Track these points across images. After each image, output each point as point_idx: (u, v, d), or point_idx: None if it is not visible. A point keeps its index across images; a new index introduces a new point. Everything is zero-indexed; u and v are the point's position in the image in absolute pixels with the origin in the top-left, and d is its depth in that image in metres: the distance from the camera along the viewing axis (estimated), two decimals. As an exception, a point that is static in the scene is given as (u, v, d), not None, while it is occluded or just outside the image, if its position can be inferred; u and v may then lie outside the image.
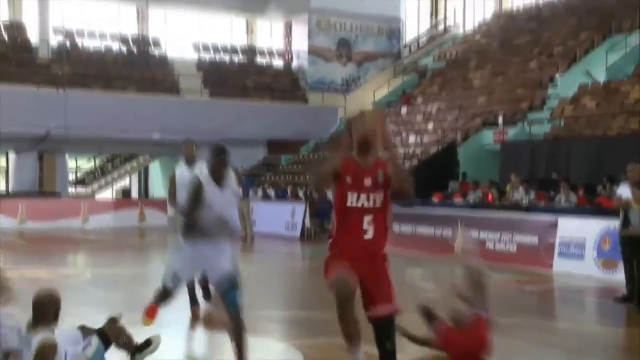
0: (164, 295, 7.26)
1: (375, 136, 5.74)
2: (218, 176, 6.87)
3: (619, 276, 12.22)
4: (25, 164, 29.32)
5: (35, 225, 25.03)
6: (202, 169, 7.16)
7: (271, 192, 28.06)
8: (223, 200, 6.95)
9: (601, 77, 25.03)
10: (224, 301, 6.86)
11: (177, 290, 7.32)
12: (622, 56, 25.60)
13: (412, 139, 28.07)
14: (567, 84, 25.40)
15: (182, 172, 9.59)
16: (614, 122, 20.95)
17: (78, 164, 33.34)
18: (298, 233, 23.42)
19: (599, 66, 25.82)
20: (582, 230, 14.40)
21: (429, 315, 7.16)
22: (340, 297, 5.66)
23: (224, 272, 6.82)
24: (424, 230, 18.56)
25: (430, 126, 28.15)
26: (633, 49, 25.48)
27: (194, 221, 6.85)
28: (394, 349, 5.83)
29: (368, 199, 5.69)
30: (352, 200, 5.68)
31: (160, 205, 30.38)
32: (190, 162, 9.63)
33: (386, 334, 5.82)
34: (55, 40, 31.29)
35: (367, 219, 5.71)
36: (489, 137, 24.48)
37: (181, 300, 8.75)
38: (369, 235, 5.73)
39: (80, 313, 9.59)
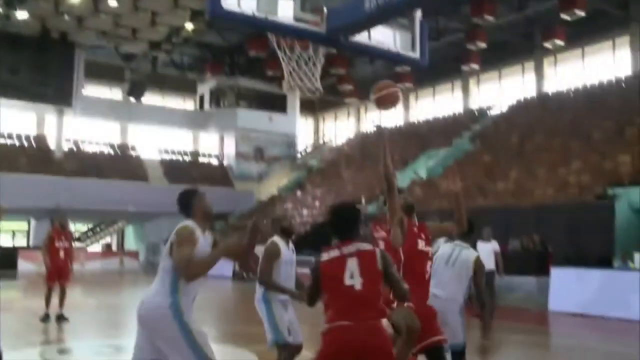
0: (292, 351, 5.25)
1: None
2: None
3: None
4: (41, 226, 29.13)
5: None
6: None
7: None
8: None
9: (424, 175, 25.88)
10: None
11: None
12: (435, 162, 26.60)
13: (305, 212, 28.58)
14: (403, 179, 25.69)
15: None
16: (432, 202, 21.40)
17: (76, 227, 33.12)
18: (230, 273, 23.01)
19: (421, 168, 26.76)
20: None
21: None
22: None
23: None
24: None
25: (317, 204, 28.71)
26: (442, 158, 26.58)
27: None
28: None
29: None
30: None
31: (132, 255, 30.95)
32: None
33: None
34: (66, 146, 31.67)
35: None
36: (355, 211, 25.34)
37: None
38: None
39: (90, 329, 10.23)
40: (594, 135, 21.25)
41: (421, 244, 4.55)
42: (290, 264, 5.42)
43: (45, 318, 10.03)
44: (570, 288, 12.99)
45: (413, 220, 4.76)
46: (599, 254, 14.72)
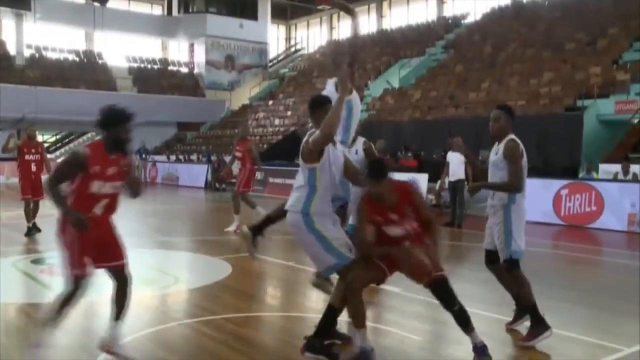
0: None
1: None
2: None
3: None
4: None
5: (17, 180, 24.12)
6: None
7: (180, 157, 28.14)
8: None
9: (396, 85, 25.91)
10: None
11: None
12: (408, 72, 26.65)
13: (277, 121, 28.48)
14: (375, 88, 26.34)
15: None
16: (404, 113, 21.82)
17: (44, 138, 32.57)
18: (203, 184, 23.09)
19: (394, 77, 26.74)
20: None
21: None
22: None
23: None
24: (291, 180, 19.51)
25: (289, 113, 28.58)
26: (414, 68, 26.68)
27: None
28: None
29: None
30: None
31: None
32: None
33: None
34: (27, 52, 30.52)
35: None
36: (327, 121, 25.29)
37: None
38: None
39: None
40: (566, 46, 21.19)
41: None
42: None
43: (29, 232, 9.97)
44: (535, 198, 13.31)
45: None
46: (566, 164, 15.02)
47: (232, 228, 10.60)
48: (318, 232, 4.06)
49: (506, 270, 4.78)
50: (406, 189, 4.20)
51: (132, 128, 4.10)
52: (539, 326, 4.63)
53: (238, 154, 11.06)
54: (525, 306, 4.73)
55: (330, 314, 4.32)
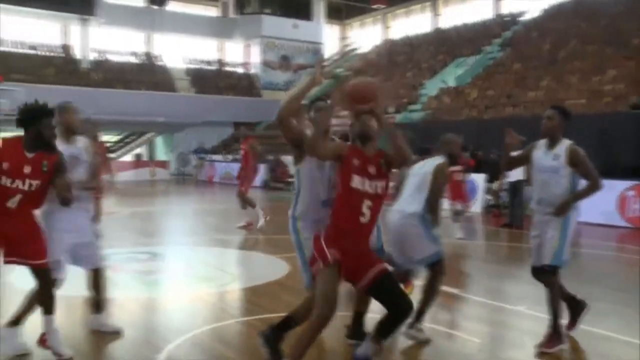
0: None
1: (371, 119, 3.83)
2: None
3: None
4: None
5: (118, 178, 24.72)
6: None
7: (237, 157, 28.33)
8: None
9: (452, 84, 25.30)
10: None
11: None
12: (464, 70, 26.06)
13: (333, 121, 28.79)
14: (431, 87, 25.84)
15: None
16: (461, 112, 21.44)
17: (106, 139, 33.42)
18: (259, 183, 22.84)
19: (450, 76, 26.19)
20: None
21: None
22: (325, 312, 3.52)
23: None
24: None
25: (345, 112, 29.04)
26: (471, 66, 26.07)
27: None
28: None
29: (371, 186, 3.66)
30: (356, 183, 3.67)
31: (162, 165, 31.30)
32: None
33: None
34: (91, 56, 31.52)
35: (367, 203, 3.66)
36: (382, 121, 25.05)
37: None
38: (365, 219, 3.66)
39: (125, 236, 10.45)
40: (631, 42, 20.44)
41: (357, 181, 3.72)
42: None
43: None
44: (596, 199, 12.90)
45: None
46: (630, 165, 14.50)
47: (258, 224, 11.02)
48: (298, 238, 3.98)
49: (545, 274, 4.61)
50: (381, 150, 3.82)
51: (53, 124, 3.90)
52: (560, 336, 4.53)
53: (241, 152, 11.62)
54: (553, 314, 4.53)
55: (357, 318, 4.45)
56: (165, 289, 6.82)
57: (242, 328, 5.05)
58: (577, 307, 4.85)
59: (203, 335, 4.78)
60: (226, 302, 6.18)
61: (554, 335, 4.50)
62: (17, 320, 4.22)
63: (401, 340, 4.64)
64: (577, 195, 4.63)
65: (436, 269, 4.74)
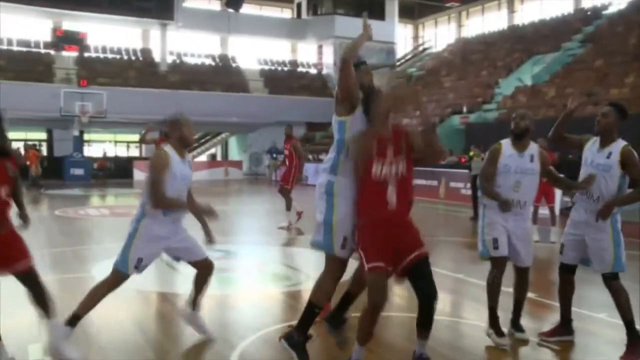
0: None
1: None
2: None
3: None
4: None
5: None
6: None
7: (310, 157, 28.50)
8: None
9: (528, 82, 24.94)
10: None
11: None
12: (541, 68, 25.54)
13: (405, 121, 28.55)
14: (506, 86, 25.42)
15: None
16: (538, 111, 20.67)
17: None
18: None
19: (527, 75, 25.71)
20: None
21: None
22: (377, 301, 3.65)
23: None
24: (416, 181, 19.13)
25: (417, 113, 28.71)
26: (548, 64, 25.46)
27: None
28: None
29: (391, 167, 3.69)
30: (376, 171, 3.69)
31: (236, 164, 31.82)
32: None
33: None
34: (169, 59, 32.52)
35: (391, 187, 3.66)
36: (456, 120, 24.46)
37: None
38: (392, 205, 3.65)
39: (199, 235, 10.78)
40: None
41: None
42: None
43: None
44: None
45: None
46: None
47: (286, 224, 11.32)
48: (332, 200, 3.90)
49: (609, 281, 4.46)
50: (402, 129, 3.93)
51: (5, 127, 3.82)
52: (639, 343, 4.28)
53: (285, 152, 11.89)
54: (626, 318, 4.34)
55: (345, 298, 4.41)
56: (239, 287, 6.91)
57: (314, 327, 5.04)
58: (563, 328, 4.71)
59: (275, 334, 4.80)
60: (299, 301, 6.19)
61: (637, 343, 4.28)
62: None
63: (476, 345, 4.50)
64: (622, 200, 4.46)
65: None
